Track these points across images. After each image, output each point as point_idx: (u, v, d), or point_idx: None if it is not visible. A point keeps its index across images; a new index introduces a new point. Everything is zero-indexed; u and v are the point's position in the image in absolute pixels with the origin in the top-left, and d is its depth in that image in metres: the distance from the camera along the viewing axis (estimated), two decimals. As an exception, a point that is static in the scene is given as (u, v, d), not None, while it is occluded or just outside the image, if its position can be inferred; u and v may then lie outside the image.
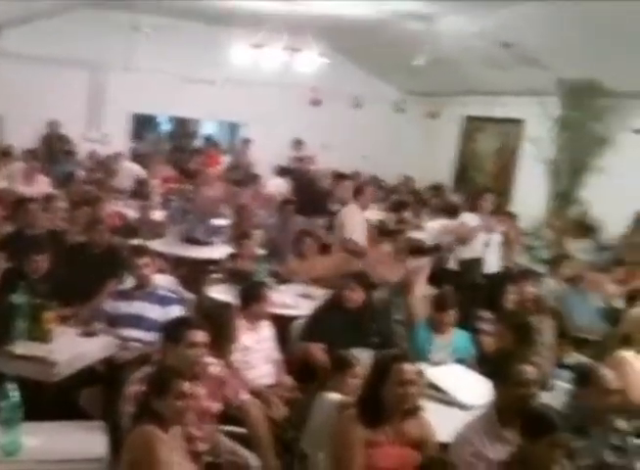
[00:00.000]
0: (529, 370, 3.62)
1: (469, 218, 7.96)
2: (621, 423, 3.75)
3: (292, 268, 7.31)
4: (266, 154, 13.44)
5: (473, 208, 8.08)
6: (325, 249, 7.82)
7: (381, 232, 8.37)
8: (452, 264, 7.94)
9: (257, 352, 5.15)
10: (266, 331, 5.34)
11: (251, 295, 5.35)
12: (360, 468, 3.41)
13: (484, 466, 3.30)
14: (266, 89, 13.15)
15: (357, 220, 7.97)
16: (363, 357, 4.54)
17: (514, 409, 3.47)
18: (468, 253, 7.76)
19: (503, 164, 13.42)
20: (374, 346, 5.06)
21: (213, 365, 4.14)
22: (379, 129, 14.43)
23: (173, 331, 4.03)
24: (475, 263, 7.67)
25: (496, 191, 10.21)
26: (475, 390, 4.46)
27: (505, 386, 3.58)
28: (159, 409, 3.32)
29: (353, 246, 7.57)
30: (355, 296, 5.54)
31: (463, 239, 7.76)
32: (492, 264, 7.83)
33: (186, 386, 3.38)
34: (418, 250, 7.16)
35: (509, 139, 13.29)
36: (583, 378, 3.91)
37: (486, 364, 4.91)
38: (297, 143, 14.15)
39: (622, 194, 10.24)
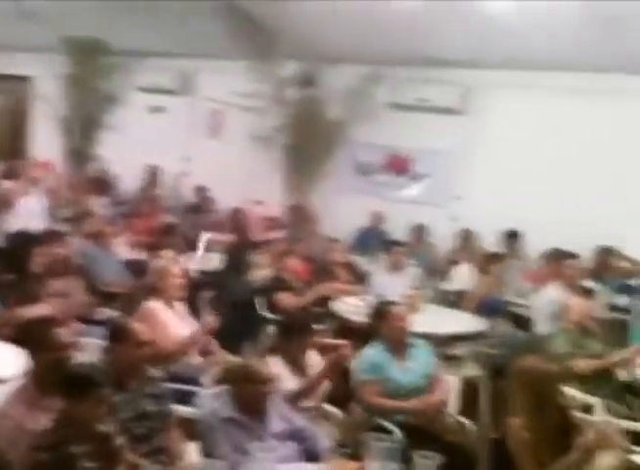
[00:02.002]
0: (64, 333, 3.64)
1: (9, 185, 7.49)
2: (155, 372, 3.97)
3: None
4: None
5: (10, 175, 7.59)
6: None
7: None
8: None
9: None
10: None
11: None
12: None
13: (27, 439, 3.24)
14: None
15: None
16: None
17: (52, 374, 3.44)
18: (15, 224, 7.33)
19: (15, 123, 12.99)
20: None
21: None
22: None
23: None
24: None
25: (11, 151, 9.91)
26: (7, 361, 4.36)
27: (40, 352, 3.54)
28: None
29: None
30: None
31: (5, 205, 7.27)
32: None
33: None
34: None
35: (19, 97, 12.88)
36: (116, 333, 4.00)
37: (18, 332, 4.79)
38: None
39: (134, 149, 10.69)
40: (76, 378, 3.28)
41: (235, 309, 6.42)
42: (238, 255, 7.04)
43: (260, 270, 7.32)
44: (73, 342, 3.67)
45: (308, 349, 4.73)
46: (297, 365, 4.58)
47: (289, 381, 4.43)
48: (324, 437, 4.12)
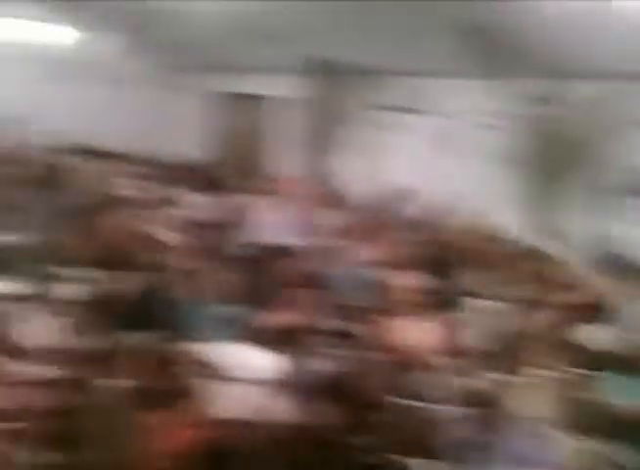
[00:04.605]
0: (314, 340, 3.78)
1: (252, 201, 7.81)
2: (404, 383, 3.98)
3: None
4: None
5: (251, 190, 7.88)
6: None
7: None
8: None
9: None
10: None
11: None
12: (143, 453, 3.34)
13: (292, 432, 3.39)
14: (9, 63, 12.24)
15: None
16: (139, 341, 4.49)
17: (308, 379, 3.60)
18: (260, 237, 7.63)
19: (255, 141, 13.62)
20: (150, 330, 4.94)
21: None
22: (129, 104, 14.03)
23: None
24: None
25: (251, 168, 10.38)
26: (256, 364, 4.53)
27: (298, 357, 3.68)
28: None
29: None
30: (120, 284, 5.48)
31: (247, 219, 7.62)
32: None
33: None
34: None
35: (260, 116, 13.49)
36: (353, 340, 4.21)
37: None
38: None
39: (371, 167, 10.84)
40: (325, 383, 3.39)
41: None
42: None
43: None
44: (322, 350, 3.74)
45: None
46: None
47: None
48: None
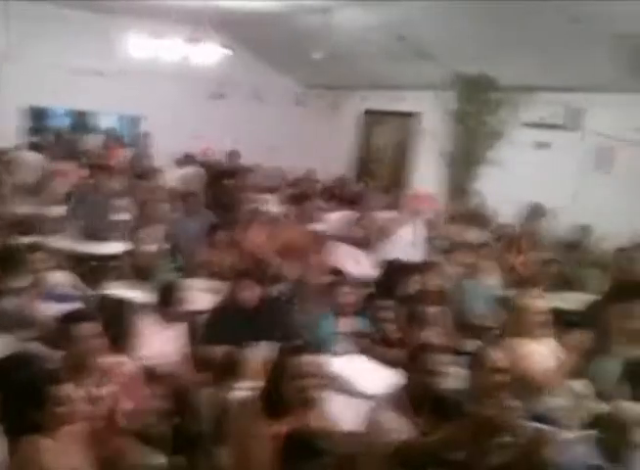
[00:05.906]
0: (437, 359, 3.78)
1: (390, 216, 7.82)
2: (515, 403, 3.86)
3: (203, 260, 7.26)
4: (166, 147, 13.16)
5: (392, 206, 7.86)
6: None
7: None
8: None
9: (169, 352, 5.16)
10: (179, 329, 5.35)
11: (170, 296, 5.37)
12: (264, 461, 3.43)
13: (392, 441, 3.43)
14: (166, 81, 12.88)
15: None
16: (266, 351, 4.60)
17: (423, 396, 3.63)
18: (392, 253, 7.64)
19: (401, 157, 13.65)
20: (276, 339, 5.07)
21: (127, 364, 4.05)
22: (280, 122, 14.43)
23: (59, 329, 3.94)
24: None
25: (395, 183, 10.41)
26: (376, 379, 4.58)
27: (416, 374, 3.68)
28: (36, 418, 3.17)
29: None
30: (250, 294, 5.50)
31: (385, 234, 7.66)
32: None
33: (64, 389, 3.24)
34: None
35: (406, 132, 13.51)
36: (473, 359, 4.14)
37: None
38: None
39: (515, 185, 10.60)
40: (442, 403, 3.41)
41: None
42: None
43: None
44: (442, 369, 3.75)
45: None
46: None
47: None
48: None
